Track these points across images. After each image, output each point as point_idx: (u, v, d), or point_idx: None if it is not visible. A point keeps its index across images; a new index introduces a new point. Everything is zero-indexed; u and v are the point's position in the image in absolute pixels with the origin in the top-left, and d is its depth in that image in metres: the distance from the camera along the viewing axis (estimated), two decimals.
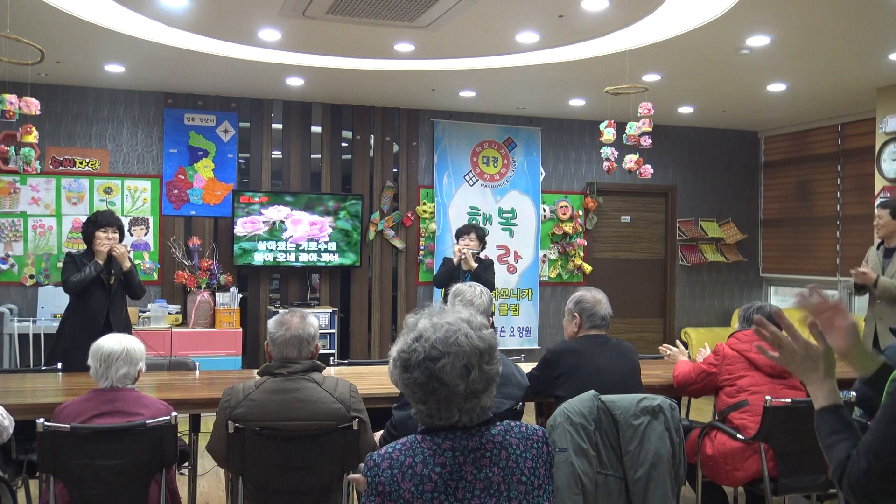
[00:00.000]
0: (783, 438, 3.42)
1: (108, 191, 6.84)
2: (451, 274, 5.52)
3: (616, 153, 5.52)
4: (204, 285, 6.82)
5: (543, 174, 8.00)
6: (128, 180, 6.90)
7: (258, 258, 7.02)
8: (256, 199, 7.00)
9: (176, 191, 6.99)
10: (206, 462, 3.93)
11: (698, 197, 8.57)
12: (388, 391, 3.44)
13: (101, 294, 4.50)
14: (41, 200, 6.66)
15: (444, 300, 3.66)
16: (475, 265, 5.46)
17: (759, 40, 5.04)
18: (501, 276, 7.55)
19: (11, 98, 4.34)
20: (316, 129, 7.45)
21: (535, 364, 3.54)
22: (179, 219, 7.04)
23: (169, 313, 6.65)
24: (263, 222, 7.01)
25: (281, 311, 3.57)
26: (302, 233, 7.13)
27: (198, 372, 4.27)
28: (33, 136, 4.54)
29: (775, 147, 8.61)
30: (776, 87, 6.43)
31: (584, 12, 4.61)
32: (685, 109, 7.53)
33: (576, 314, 3.40)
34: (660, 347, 4.50)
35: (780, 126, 8.39)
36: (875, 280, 4.98)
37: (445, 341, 1.61)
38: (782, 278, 8.52)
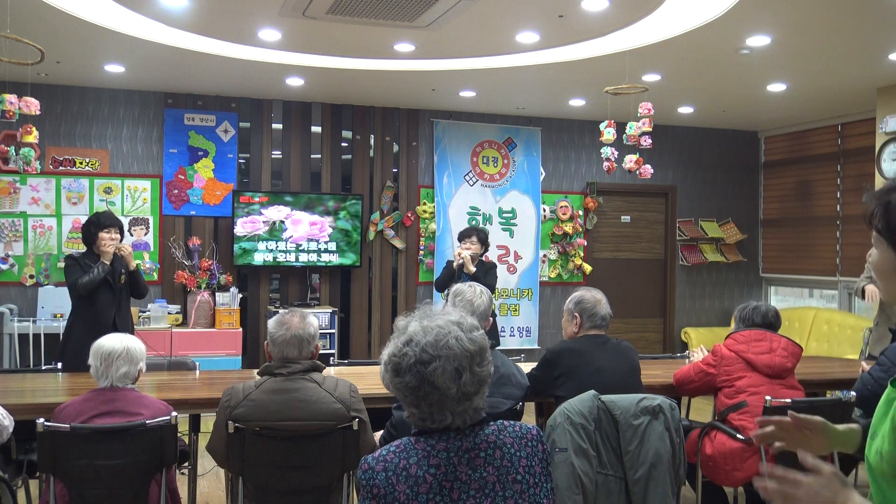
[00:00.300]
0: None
1: (108, 191, 6.84)
2: (451, 277, 5.49)
3: (616, 153, 5.51)
4: (204, 285, 6.83)
5: (543, 174, 8.00)
6: (128, 180, 6.90)
7: (258, 258, 7.02)
8: (256, 199, 7.00)
9: (176, 191, 6.99)
10: (206, 462, 3.93)
11: (698, 197, 8.57)
12: (387, 391, 3.43)
13: (107, 295, 4.49)
14: (41, 200, 6.66)
15: (445, 301, 3.65)
16: (474, 269, 5.42)
17: (759, 40, 5.04)
18: (501, 276, 7.53)
19: (11, 98, 4.34)
20: (316, 129, 7.45)
21: (535, 364, 3.54)
22: (179, 219, 7.04)
23: (169, 313, 6.65)
24: (263, 222, 7.01)
25: (281, 311, 3.57)
26: (302, 233, 7.13)
27: (198, 372, 4.27)
28: (33, 136, 4.54)
29: (775, 147, 8.61)
30: (776, 87, 6.43)
31: (584, 12, 4.61)
32: (685, 109, 7.53)
33: (576, 314, 3.40)
34: (694, 348, 4.45)
35: (780, 126, 8.39)
36: None
37: (436, 345, 1.60)
38: (782, 278, 8.52)
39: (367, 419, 2.93)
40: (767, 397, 3.35)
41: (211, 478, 4.78)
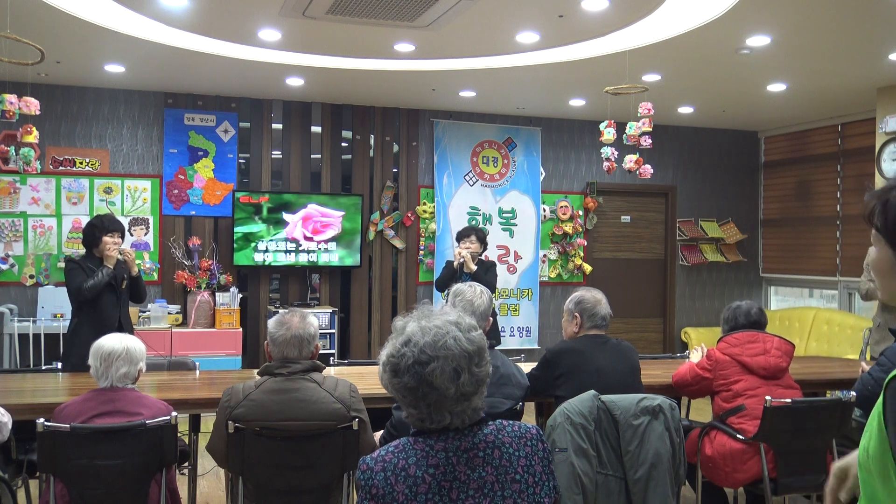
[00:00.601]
0: (783, 438, 3.42)
1: (108, 191, 6.84)
2: (451, 277, 5.51)
3: (616, 153, 5.51)
4: (204, 285, 6.83)
5: (543, 174, 8.00)
6: (128, 180, 6.90)
7: (258, 258, 7.02)
8: (256, 199, 7.00)
9: (176, 191, 6.99)
10: (206, 462, 3.93)
11: (698, 197, 8.57)
12: (387, 391, 3.43)
13: (111, 298, 4.50)
14: (41, 200, 6.66)
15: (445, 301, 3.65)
16: (475, 268, 5.44)
17: (759, 40, 5.04)
18: (501, 276, 7.54)
19: (11, 98, 4.33)
20: (316, 129, 7.45)
21: (535, 364, 3.54)
22: (179, 219, 7.04)
23: (169, 313, 6.65)
24: (263, 222, 7.02)
25: (281, 311, 3.57)
26: (302, 233, 7.13)
27: (198, 372, 4.27)
28: (33, 136, 4.54)
29: (775, 147, 8.61)
30: (776, 87, 6.43)
31: (584, 12, 4.61)
32: (685, 109, 7.53)
33: (576, 314, 3.40)
34: (694, 346, 4.42)
35: (780, 126, 8.39)
36: None
37: (434, 345, 1.60)
38: (782, 278, 8.52)
39: (367, 419, 2.93)
40: (767, 397, 3.35)
41: (211, 478, 4.78)
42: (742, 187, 8.71)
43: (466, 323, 1.67)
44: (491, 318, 3.39)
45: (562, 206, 7.99)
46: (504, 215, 7.85)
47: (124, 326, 4.50)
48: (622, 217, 8.38)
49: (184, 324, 6.78)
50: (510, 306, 7.84)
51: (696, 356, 4.00)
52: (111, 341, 3.00)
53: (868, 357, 5.19)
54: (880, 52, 5.36)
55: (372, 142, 7.58)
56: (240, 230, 6.94)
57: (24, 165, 4.52)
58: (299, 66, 5.94)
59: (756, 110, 7.53)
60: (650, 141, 5.30)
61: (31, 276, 6.59)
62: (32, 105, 4.43)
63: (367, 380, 3.76)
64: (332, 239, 7.21)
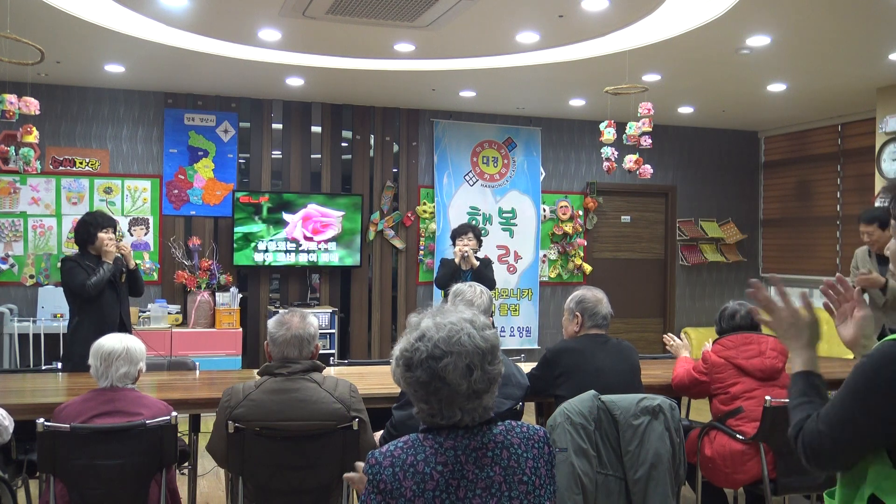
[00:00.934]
0: (783, 438, 3.41)
1: (108, 191, 6.84)
2: (452, 274, 5.54)
3: (616, 153, 5.52)
4: (204, 285, 6.83)
5: (543, 174, 8.00)
6: (128, 180, 6.90)
7: (258, 258, 7.02)
8: (256, 199, 7.00)
9: (176, 191, 6.99)
10: (206, 462, 3.93)
11: (698, 197, 8.57)
12: (388, 391, 3.44)
13: (111, 294, 4.50)
14: (41, 200, 6.66)
15: (445, 300, 3.66)
16: (477, 263, 5.50)
17: (759, 40, 5.04)
18: (501, 276, 7.55)
19: (11, 98, 4.33)
20: (316, 129, 7.45)
21: (535, 364, 3.54)
22: (179, 219, 7.04)
23: (169, 313, 6.65)
24: (263, 222, 7.02)
25: (281, 311, 3.57)
26: (301, 233, 7.13)
27: (198, 372, 4.27)
28: (33, 136, 4.54)
29: (775, 147, 8.61)
30: (776, 87, 6.43)
31: (584, 12, 4.61)
32: (685, 109, 7.53)
33: (577, 313, 3.40)
34: (664, 336, 4.44)
35: (780, 126, 8.39)
36: (884, 284, 4.58)
37: (448, 341, 1.61)
38: (782, 278, 8.50)
39: (367, 419, 2.93)
40: (767, 397, 3.35)
41: (211, 478, 4.78)
42: (742, 187, 8.72)
43: (481, 321, 1.68)
44: (490, 318, 3.40)
45: (562, 206, 7.99)
46: (504, 215, 7.85)
47: (126, 323, 4.51)
48: (622, 217, 8.38)
49: (184, 324, 6.78)
50: (510, 306, 7.84)
51: (677, 347, 4.02)
52: (111, 341, 3.00)
53: None
54: (880, 52, 5.36)
55: (372, 142, 7.58)
56: (240, 230, 6.95)
57: (24, 165, 4.52)
58: (299, 66, 5.94)
59: (756, 110, 7.53)
60: (650, 141, 5.30)
61: (31, 276, 6.59)
62: (32, 105, 4.43)
63: (367, 380, 3.77)
64: (332, 239, 7.21)
